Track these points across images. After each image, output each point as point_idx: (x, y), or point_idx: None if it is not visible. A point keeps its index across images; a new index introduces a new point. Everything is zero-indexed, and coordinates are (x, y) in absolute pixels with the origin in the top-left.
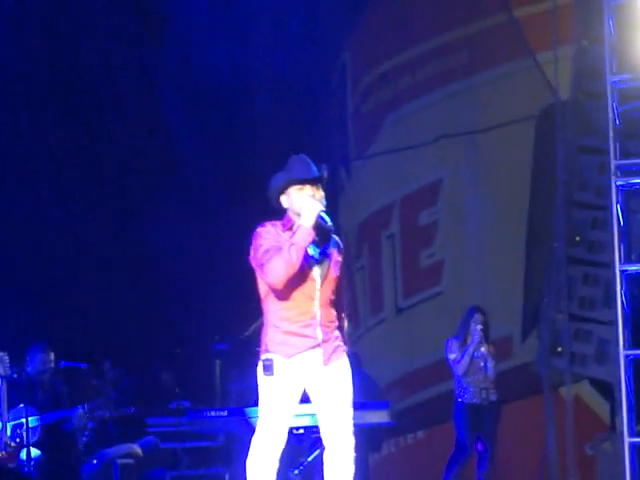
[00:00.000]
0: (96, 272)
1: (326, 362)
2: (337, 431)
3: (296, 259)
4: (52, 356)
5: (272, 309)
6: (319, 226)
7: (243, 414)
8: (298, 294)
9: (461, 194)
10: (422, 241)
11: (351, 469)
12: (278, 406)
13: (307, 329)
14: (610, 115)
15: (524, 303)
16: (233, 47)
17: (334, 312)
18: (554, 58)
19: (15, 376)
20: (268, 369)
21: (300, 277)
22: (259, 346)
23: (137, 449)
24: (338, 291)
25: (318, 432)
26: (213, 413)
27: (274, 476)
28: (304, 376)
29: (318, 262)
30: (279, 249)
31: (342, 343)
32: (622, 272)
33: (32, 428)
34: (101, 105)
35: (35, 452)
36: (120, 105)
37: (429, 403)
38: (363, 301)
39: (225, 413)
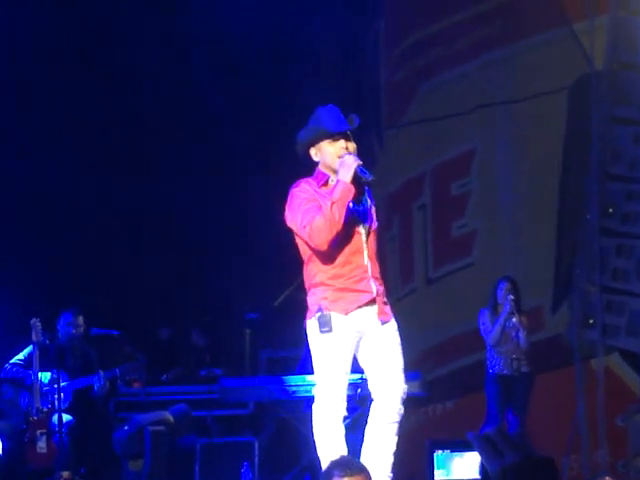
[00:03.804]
0: (127, 239)
1: (380, 318)
2: (388, 396)
3: (339, 217)
4: (81, 320)
5: (321, 268)
6: (358, 180)
7: (274, 382)
8: (347, 249)
9: (494, 165)
10: (454, 211)
11: (394, 439)
12: (337, 364)
13: (361, 283)
14: None
15: (555, 274)
16: (266, 14)
17: (379, 265)
18: (590, 28)
19: (47, 342)
20: (325, 325)
21: (346, 232)
22: (304, 309)
23: (169, 416)
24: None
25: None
26: (244, 381)
27: (343, 440)
28: (360, 333)
29: (360, 215)
30: (319, 208)
31: (387, 300)
32: None
33: (63, 393)
34: (131, 72)
35: (66, 417)
36: (150, 71)
37: (459, 374)
38: (393, 271)
39: (256, 382)
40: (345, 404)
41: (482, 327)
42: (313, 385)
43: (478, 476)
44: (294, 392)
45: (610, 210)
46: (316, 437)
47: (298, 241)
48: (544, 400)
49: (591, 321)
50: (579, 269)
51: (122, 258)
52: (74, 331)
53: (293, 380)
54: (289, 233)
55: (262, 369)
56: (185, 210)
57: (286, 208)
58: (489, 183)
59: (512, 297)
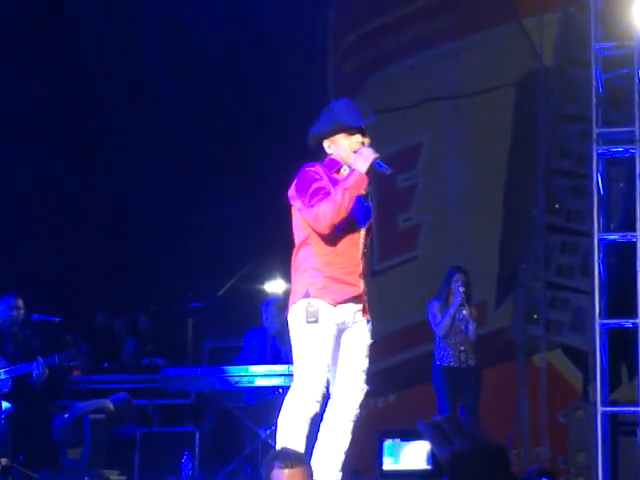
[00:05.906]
0: (72, 225)
1: (364, 316)
2: (348, 396)
3: (348, 204)
4: (21, 303)
5: (316, 252)
6: (375, 173)
7: (216, 373)
8: (345, 240)
9: (441, 158)
10: (399, 205)
11: (348, 438)
12: (319, 357)
13: (351, 276)
14: (594, 83)
15: (500, 269)
16: (217, 4)
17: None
18: (540, 24)
19: None
20: (312, 315)
21: (348, 223)
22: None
23: (109, 404)
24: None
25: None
26: (186, 371)
27: (304, 439)
28: (342, 327)
29: (364, 211)
30: (328, 192)
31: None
32: (601, 241)
33: (2, 380)
34: (84, 61)
35: (5, 405)
36: (103, 62)
37: (402, 367)
38: None
39: (198, 372)
40: (320, 402)
41: (432, 318)
42: (258, 376)
43: (426, 465)
44: (236, 382)
45: (556, 206)
46: (280, 429)
47: (295, 221)
48: (486, 395)
49: (535, 316)
50: (524, 264)
51: (67, 245)
52: (15, 314)
53: (236, 370)
54: (237, 224)
55: (205, 359)
56: (132, 199)
57: (294, 184)
58: (435, 177)
59: (463, 288)
